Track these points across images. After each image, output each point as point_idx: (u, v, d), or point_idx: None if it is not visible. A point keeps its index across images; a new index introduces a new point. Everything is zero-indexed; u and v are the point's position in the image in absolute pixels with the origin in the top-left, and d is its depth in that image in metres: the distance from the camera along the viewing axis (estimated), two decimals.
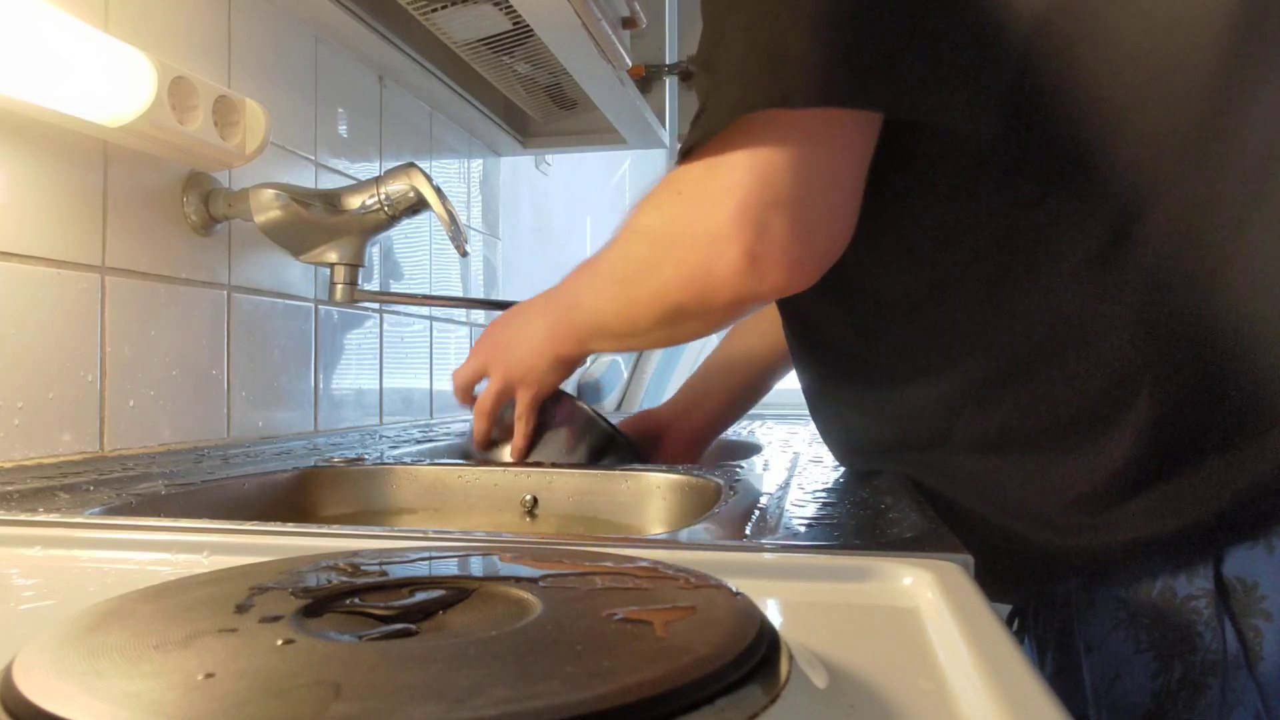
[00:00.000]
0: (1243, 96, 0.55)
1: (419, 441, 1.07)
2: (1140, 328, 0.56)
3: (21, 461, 0.77)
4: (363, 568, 0.33)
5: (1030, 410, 0.59)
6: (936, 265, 0.60)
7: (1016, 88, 0.55)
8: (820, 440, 1.03)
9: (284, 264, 1.10)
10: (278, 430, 1.10)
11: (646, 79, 1.66)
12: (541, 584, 0.31)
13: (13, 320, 0.76)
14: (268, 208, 0.97)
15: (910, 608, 0.36)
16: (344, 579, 0.32)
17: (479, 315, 1.70)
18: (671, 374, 2.19)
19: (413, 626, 0.27)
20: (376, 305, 1.32)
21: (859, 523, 0.51)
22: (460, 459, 0.89)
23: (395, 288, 1.38)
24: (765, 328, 0.94)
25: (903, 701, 0.26)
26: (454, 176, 1.61)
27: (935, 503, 0.60)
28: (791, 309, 0.71)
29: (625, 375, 1.97)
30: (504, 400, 0.82)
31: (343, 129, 1.24)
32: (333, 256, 1.04)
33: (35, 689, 0.22)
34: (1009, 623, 0.75)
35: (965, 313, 0.60)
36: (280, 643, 0.25)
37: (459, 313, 1.62)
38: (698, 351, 2.01)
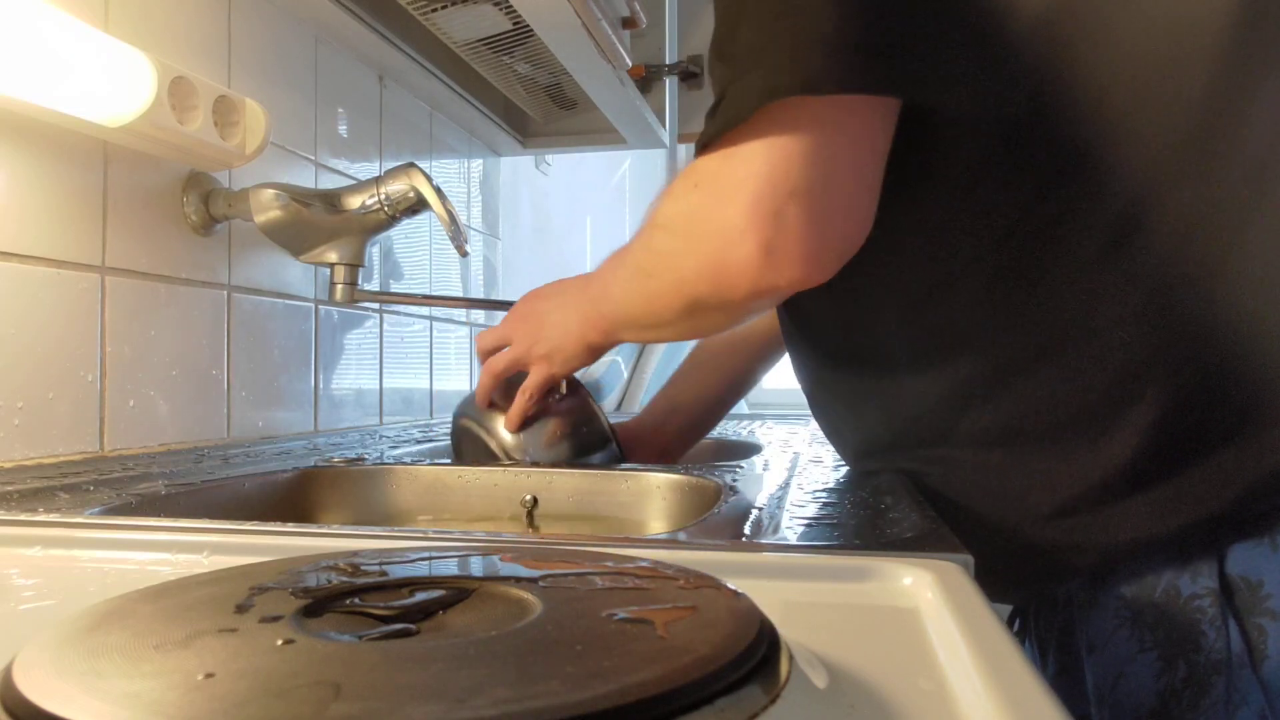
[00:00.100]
0: (1243, 95, 0.55)
1: (419, 441, 1.07)
2: (1146, 323, 0.56)
3: (21, 461, 0.77)
4: (363, 568, 0.33)
5: (1035, 406, 0.59)
6: (941, 260, 0.60)
7: (1027, 80, 0.55)
8: (820, 440, 1.03)
9: (284, 264, 1.10)
10: (278, 430, 1.10)
11: (646, 79, 1.66)
12: (541, 584, 0.31)
13: (13, 320, 0.76)
14: (268, 208, 0.97)
15: (910, 608, 0.36)
16: (344, 579, 0.32)
17: (479, 315, 1.70)
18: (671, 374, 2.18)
19: (413, 626, 0.27)
20: (376, 305, 1.32)
21: (859, 523, 0.51)
22: (454, 437, 0.88)
23: (395, 288, 1.38)
24: (733, 339, 0.95)
25: (903, 701, 0.26)
26: (454, 176, 1.61)
27: (936, 502, 0.60)
28: (792, 304, 0.71)
29: (625, 375, 1.97)
30: (516, 369, 0.81)
31: (343, 129, 1.24)
32: (333, 256, 1.04)
33: (35, 689, 0.22)
34: (1010, 624, 0.75)
35: (970, 308, 0.60)
36: (280, 643, 0.25)
37: (459, 313, 1.62)
38: None
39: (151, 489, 0.65)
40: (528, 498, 0.79)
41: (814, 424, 1.19)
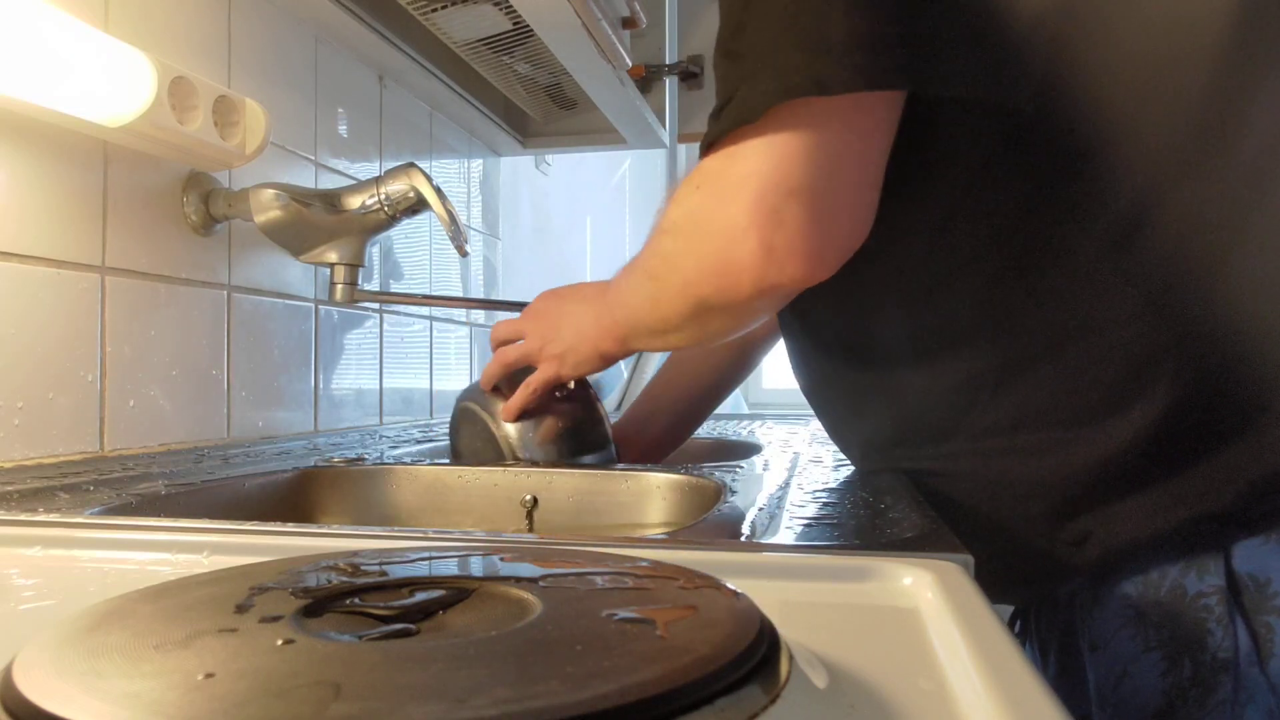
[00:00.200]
0: (1243, 94, 0.55)
1: (419, 441, 1.07)
2: (1149, 321, 0.56)
3: (21, 461, 0.77)
4: (363, 568, 0.33)
5: (1038, 403, 0.59)
6: (943, 258, 0.60)
7: (1028, 80, 0.55)
8: (820, 440, 1.04)
9: (284, 264, 1.10)
10: (278, 430, 1.10)
11: (646, 79, 1.66)
12: (541, 584, 0.31)
13: (13, 320, 0.76)
14: (268, 208, 0.97)
15: (910, 608, 0.36)
16: (344, 579, 0.32)
17: (479, 315, 1.70)
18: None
19: (413, 626, 0.27)
20: (376, 305, 1.32)
21: (859, 523, 0.51)
22: (454, 422, 0.89)
23: (395, 288, 1.38)
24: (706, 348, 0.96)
25: (903, 701, 0.26)
26: (454, 176, 1.61)
27: (937, 502, 0.60)
28: (795, 300, 0.71)
29: (625, 375, 1.97)
30: (527, 363, 0.82)
31: (343, 129, 1.24)
32: (333, 256, 1.04)
33: (35, 689, 0.22)
34: (1011, 625, 0.75)
35: (972, 305, 0.60)
36: (280, 643, 0.25)
37: (459, 313, 1.62)
38: None
39: (151, 489, 0.65)
40: (528, 498, 0.79)
41: (814, 424, 1.19)
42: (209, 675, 0.23)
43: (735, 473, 0.74)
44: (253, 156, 0.94)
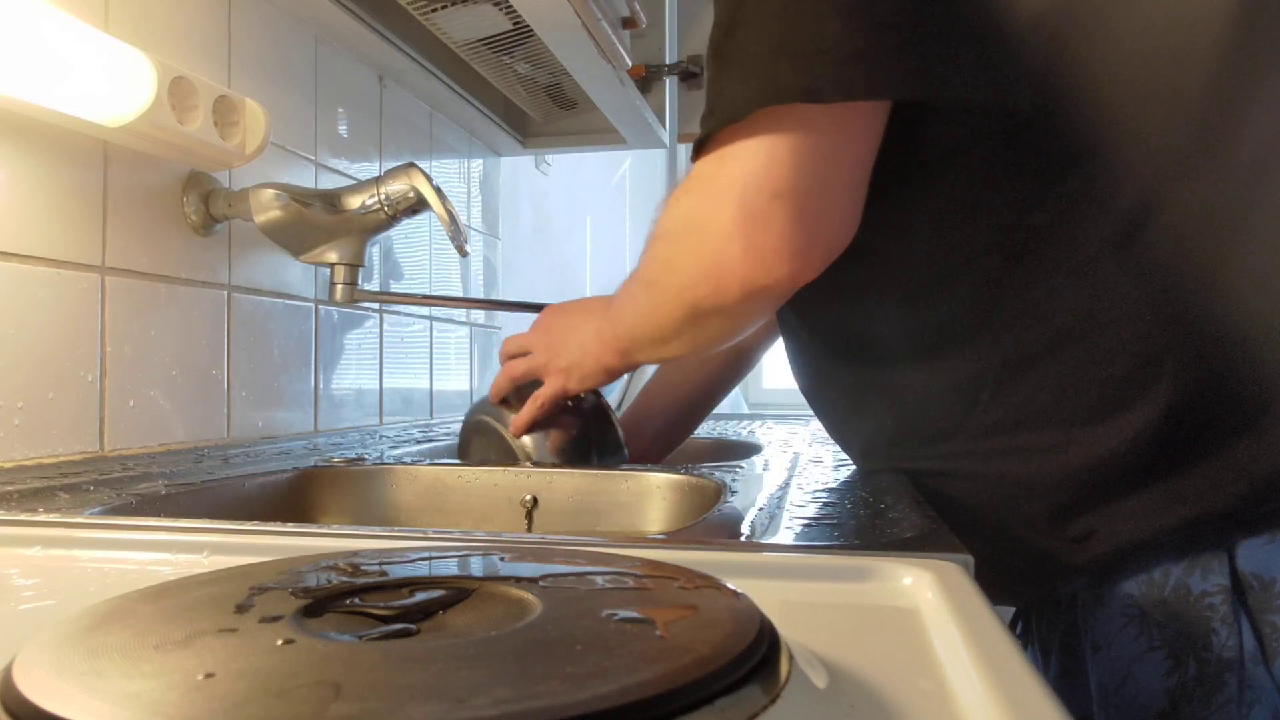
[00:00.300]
0: (1244, 94, 0.55)
1: (419, 441, 1.07)
2: (1151, 320, 0.56)
3: (21, 461, 0.77)
4: (363, 568, 0.33)
5: (1040, 402, 0.59)
6: (944, 256, 0.60)
7: (1028, 81, 0.55)
8: (820, 440, 1.04)
9: (284, 264, 1.10)
10: (278, 430, 1.10)
11: (646, 79, 1.65)
12: (541, 584, 0.31)
13: (13, 320, 0.76)
14: (268, 208, 0.97)
15: (910, 608, 0.36)
16: (344, 579, 0.32)
17: (479, 315, 1.70)
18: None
19: (413, 626, 0.27)
20: (376, 305, 1.32)
21: (859, 523, 0.51)
22: (464, 435, 0.89)
23: (395, 288, 1.38)
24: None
25: (903, 701, 0.26)
26: (454, 176, 1.61)
27: (936, 502, 0.60)
28: (795, 298, 0.71)
29: (625, 376, 1.97)
30: (533, 377, 0.83)
31: (343, 129, 1.24)
32: (333, 256, 1.04)
33: (35, 689, 0.22)
34: (1013, 626, 0.75)
35: (974, 304, 0.60)
36: (280, 643, 0.25)
37: (459, 313, 1.62)
38: None
39: (151, 489, 0.65)
40: (528, 498, 0.79)
41: (814, 424, 1.19)
42: (209, 675, 0.23)
43: (735, 473, 0.74)
44: (253, 156, 0.94)
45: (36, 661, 0.24)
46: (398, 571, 0.33)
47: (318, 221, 1.01)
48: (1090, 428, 0.58)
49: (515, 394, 0.85)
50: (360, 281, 1.06)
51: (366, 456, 0.88)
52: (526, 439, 0.83)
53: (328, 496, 0.80)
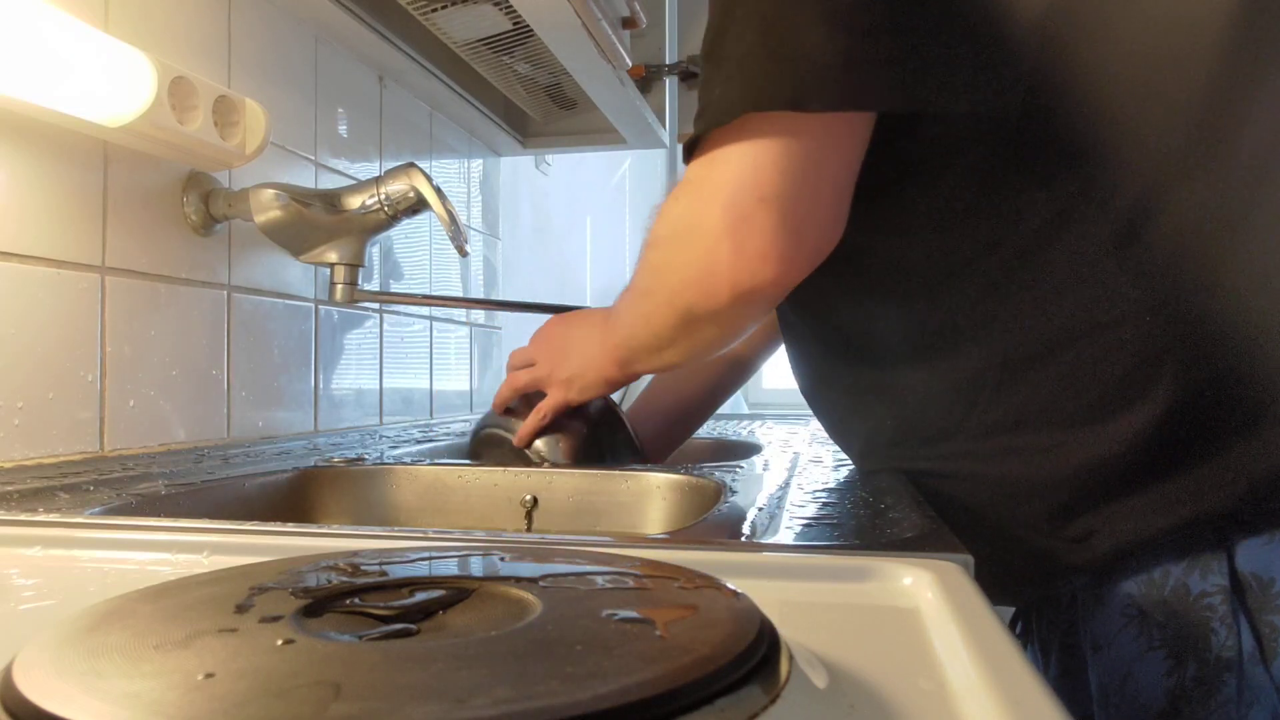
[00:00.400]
0: (1244, 94, 0.55)
1: (419, 441, 1.07)
2: (1151, 320, 0.56)
3: (21, 461, 0.77)
4: (363, 568, 0.33)
5: (1040, 402, 0.59)
6: (945, 256, 0.60)
7: (1027, 82, 0.55)
8: (820, 440, 1.04)
9: (284, 264, 1.10)
10: (278, 430, 1.10)
11: (646, 79, 1.65)
12: (541, 584, 0.31)
13: (13, 320, 0.76)
14: (268, 208, 0.97)
15: (910, 608, 0.36)
16: (344, 579, 0.32)
17: (479, 315, 1.70)
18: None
19: (413, 626, 0.27)
20: (376, 305, 1.32)
21: (859, 523, 0.51)
22: (474, 445, 0.89)
23: (395, 288, 1.38)
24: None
25: (903, 701, 0.26)
26: (454, 176, 1.61)
27: (936, 502, 0.60)
28: (795, 298, 0.71)
29: None
30: (537, 388, 0.84)
31: (343, 129, 1.24)
32: (333, 256, 1.04)
33: (35, 689, 0.22)
34: (1013, 627, 0.75)
35: (974, 304, 0.60)
36: (280, 643, 0.25)
37: (459, 313, 1.62)
38: None
39: (151, 489, 0.65)
40: (528, 498, 0.79)
41: (814, 424, 1.19)
42: (209, 675, 0.23)
43: (735, 473, 0.74)
44: (253, 156, 0.94)
45: (36, 661, 0.24)
46: (398, 571, 0.33)
47: (318, 221, 1.01)
48: (1090, 428, 0.58)
49: (523, 402, 0.85)
50: (360, 281, 1.06)
51: (366, 456, 0.88)
52: (539, 444, 0.83)
53: (328, 496, 0.80)
